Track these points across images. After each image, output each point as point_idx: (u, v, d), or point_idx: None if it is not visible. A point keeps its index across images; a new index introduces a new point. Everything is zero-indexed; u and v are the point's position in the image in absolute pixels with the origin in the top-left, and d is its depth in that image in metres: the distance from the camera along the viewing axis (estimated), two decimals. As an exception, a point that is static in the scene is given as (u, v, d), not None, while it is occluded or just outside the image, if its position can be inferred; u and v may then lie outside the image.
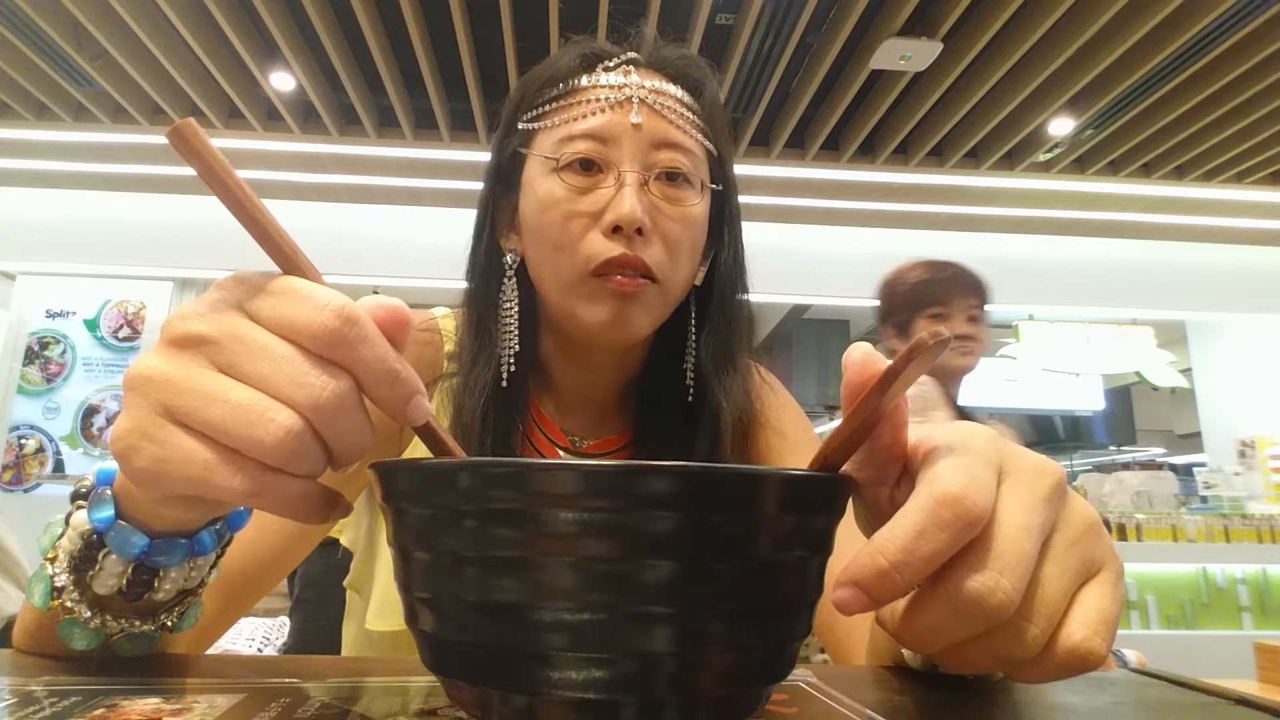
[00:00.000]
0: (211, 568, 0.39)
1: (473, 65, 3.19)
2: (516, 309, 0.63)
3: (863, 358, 0.29)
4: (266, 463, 0.26)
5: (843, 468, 0.30)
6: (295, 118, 3.62)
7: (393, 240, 4.30)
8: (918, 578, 0.26)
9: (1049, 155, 3.85)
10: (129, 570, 0.35)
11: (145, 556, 0.35)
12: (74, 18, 2.85)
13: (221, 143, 3.94)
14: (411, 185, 4.14)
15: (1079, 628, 0.27)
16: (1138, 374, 4.87)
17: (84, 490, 0.36)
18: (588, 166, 0.59)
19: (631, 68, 0.62)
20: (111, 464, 0.35)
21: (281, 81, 3.33)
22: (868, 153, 3.89)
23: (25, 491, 3.94)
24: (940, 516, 0.26)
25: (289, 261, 0.29)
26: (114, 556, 0.34)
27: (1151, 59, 2.96)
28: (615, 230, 0.57)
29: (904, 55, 2.98)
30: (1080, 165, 3.94)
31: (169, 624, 0.38)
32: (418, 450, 0.63)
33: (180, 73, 3.20)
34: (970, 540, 0.26)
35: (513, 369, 0.62)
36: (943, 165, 3.92)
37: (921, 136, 3.73)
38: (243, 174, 0.27)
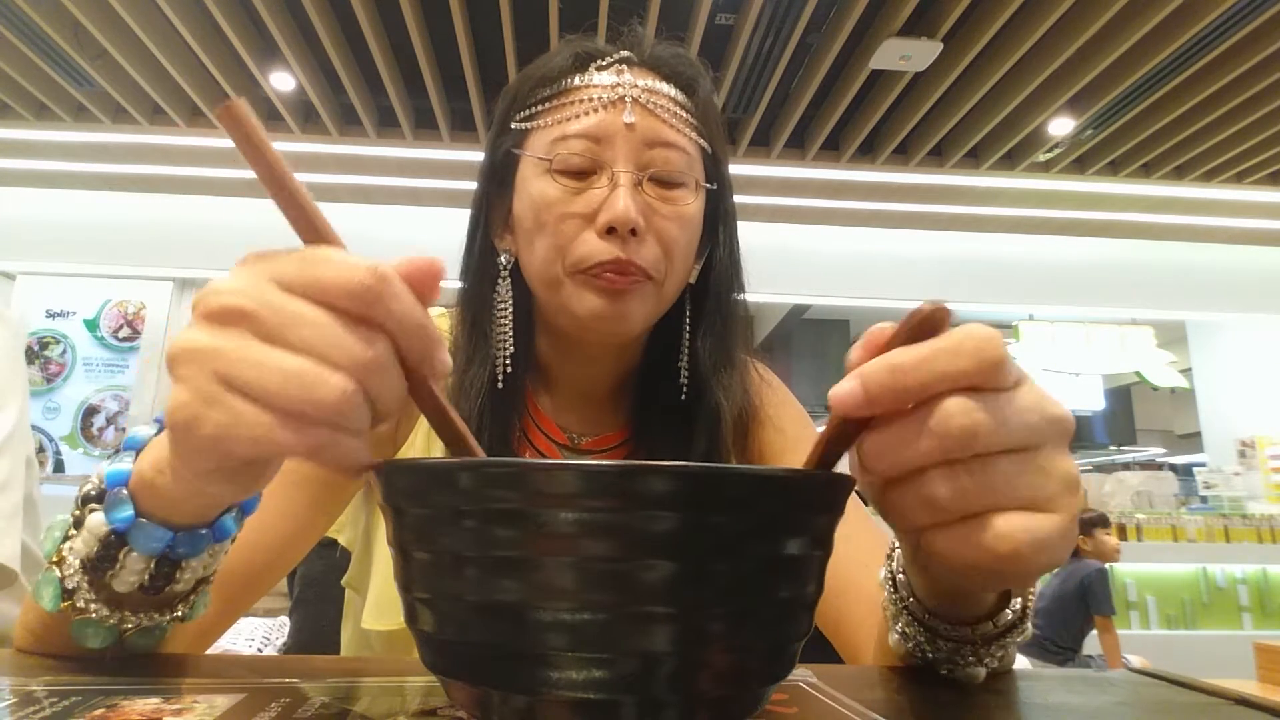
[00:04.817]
0: (224, 552, 0.39)
1: (473, 65, 3.19)
2: (511, 309, 0.62)
3: (866, 337, 0.29)
4: (325, 422, 0.27)
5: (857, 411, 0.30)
6: (295, 118, 3.62)
7: (393, 240, 4.30)
8: (921, 391, 0.26)
9: (1049, 155, 3.85)
10: (151, 565, 0.35)
11: (170, 550, 0.35)
12: (74, 18, 2.85)
13: (222, 143, 3.94)
14: (411, 185, 4.14)
15: (1017, 527, 0.27)
16: (1138, 374, 4.88)
17: (94, 493, 0.36)
18: (581, 166, 0.58)
19: (625, 67, 0.61)
20: (118, 466, 0.35)
21: (281, 81, 3.33)
22: (868, 153, 3.89)
23: (25, 491, 3.94)
24: (963, 346, 0.26)
25: (322, 239, 0.29)
26: (136, 554, 0.35)
27: (1151, 59, 2.96)
28: (609, 231, 0.56)
29: (903, 55, 2.98)
30: (1080, 165, 3.94)
31: (182, 614, 0.39)
32: (414, 450, 0.64)
33: (180, 73, 3.20)
34: (980, 385, 0.26)
35: (509, 369, 0.62)
36: (943, 165, 3.92)
37: (921, 136, 3.73)
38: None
